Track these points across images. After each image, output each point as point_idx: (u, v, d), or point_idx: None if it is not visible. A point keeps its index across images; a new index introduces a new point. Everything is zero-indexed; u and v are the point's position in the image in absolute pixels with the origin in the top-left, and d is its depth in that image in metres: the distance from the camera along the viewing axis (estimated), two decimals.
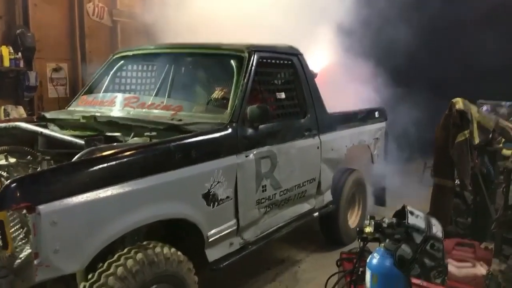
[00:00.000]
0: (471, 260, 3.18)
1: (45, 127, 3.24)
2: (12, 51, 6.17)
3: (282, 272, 3.97)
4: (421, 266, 2.21)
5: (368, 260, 2.34)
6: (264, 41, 3.68)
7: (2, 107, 6.14)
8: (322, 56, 5.39)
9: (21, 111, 6.17)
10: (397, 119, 6.41)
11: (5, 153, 2.45)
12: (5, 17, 6.34)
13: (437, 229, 2.31)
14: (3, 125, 2.94)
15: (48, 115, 3.40)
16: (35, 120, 3.41)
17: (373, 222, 2.33)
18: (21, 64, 6.27)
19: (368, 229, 2.34)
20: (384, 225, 2.31)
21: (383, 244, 2.32)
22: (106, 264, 2.15)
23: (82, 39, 7.22)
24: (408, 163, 7.31)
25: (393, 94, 5.99)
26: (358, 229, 2.41)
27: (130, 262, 2.15)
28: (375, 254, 2.32)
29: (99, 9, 7.55)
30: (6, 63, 6.12)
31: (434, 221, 2.38)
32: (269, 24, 5.22)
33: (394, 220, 2.32)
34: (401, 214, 2.38)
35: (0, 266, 2.08)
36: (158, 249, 2.30)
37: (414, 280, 2.32)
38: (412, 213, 2.34)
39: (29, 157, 2.72)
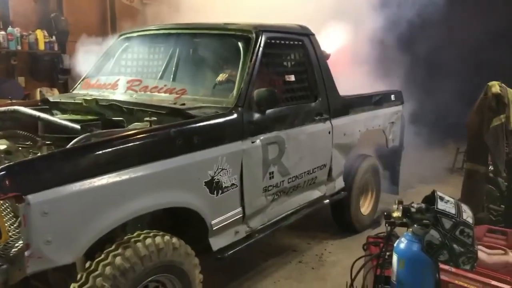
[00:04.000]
0: (503, 247, 3.12)
1: (49, 111, 3.18)
2: (46, 34, 6.28)
3: (308, 254, 3.98)
4: (450, 252, 2.15)
5: (395, 245, 2.31)
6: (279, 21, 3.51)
7: (38, 89, 6.31)
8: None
9: (56, 93, 6.35)
10: (428, 102, 6.24)
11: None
12: (39, 2, 6.41)
13: (467, 215, 2.25)
14: (2, 109, 2.87)
15: (51, 98, 3.32)
16: (39, 103, 3.34)
17: (401, 207, 2.28)
18: (55, 47, 6.43)
19: (396, 214, 2.30)
20: (413, 210, 2.27)
21: (411, 229, 2.28)
22: (94, 263, 2.07)
23: (113, 22, 7.32)
24: (440, 148, 7.23)
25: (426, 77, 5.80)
26: (385, 213, 2.37)
27: (118, 260, 2.06)
28: (402, 239, 2.29)
29: None
30: (41, 46, 6.34)
31: (464, 207, 2.31)
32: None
33: (423, 205, 2.28)
34: (430, 199, 2.32)
35: None
36: (148, 241, 2.20)
37: (443, 266, 2.29)
38: (441, 198, 2.29)
39: (29, 142, 2.67)
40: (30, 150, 2.59)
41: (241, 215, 2.89)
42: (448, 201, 2.29)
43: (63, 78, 6.77)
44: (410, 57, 5.87)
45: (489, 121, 4.13)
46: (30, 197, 1.81)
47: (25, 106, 2.98)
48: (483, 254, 2.95)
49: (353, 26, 5.10)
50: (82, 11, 6.94)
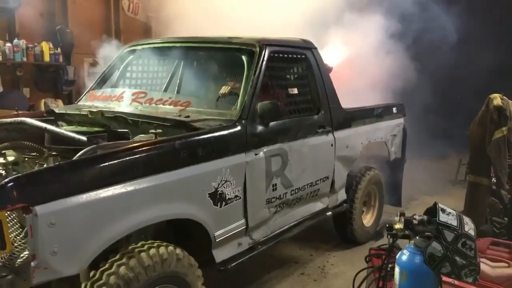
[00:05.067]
0: (506, 260, 3.12)
1: (54, 122, 3.22)
2: (51, 46, 6.39)
3: (310, 266, 3.98)
4: (452, 264, 2.14)
5: (397, 257, 2.31)
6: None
7: (43, 100, 6.41)
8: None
9: (60, 104, 6.41)
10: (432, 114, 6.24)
11: (5, 150, 2.41)
12: (45, 14, 6.53)
13: (469, 227, 2.25)
14: (9, 120, 2.91)
15: (57, 110, 3.36)
16: (45, 115, 3.38)
17: (403, 219, 2.28)
18: (60, 59, 6.55)
19: (398, 226, 2.29)
20: (415, 222, 2.27)
21: (413, 241, 2.28)
22: (98, 272, 2.09)
23: (117, 35, 7.35)
24: (443, 160, 7.24)
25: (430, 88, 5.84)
26: (387, 225, 2.36)
27: (122, 270, 2.08)
28: (404, 251, 2.29)
29: (134, 5, 7.74)
30: (47, 58, 6.44)
31: (466, 219, 2.31)
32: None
33: (425, 217, 2.28)
34: (432, 211, 2.32)
35: (0, 266, 2.05)
36: (153, 251, 2.21)
37: (445, 279, 2.28)
38: (443, 210, 2.29)
39: (35, 153, 2.70)
40: (37, 161, 2.62)
41: (244, 227, 2.90)
42: (450, 213, 2.29)
43: (68, 89, 6.84)
44: (413, 69, 5.94)
45: (491, 133, 4.14)
46: (38, 208, 1.84)
47: (31, 117, 3.02)
48: (486, 266, 2.94)
49: (355, 40, 5.16)
50: (87, 23, 7.03)
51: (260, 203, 3.01)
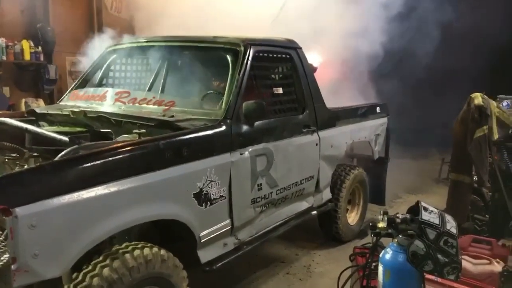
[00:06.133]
0: (488, 257, 3.17)
1: (35, 122, 3.16)
2: (32, 45, 6.28)
3: (295, 265, 3.99)
4: (435, 262, 2.18)
5: (380, 255, 2.34)
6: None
7: (23, 100, 6.29)
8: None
9: (41, 104, 6.28)
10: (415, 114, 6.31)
11: None
12: (26, 11, 6.38)
13: (451, 225, 2.28)
14: None
15: (38, 110, 3.30)
16: (25, 115, 3.32)
17: (386, 218, 2.31)
18: (41, 57, 6.45)
19: (381, 224, 2.32)
20: (398, 220, 2.30)
21: (396, 240, 2.31)
22: (81, 274, 2.06)
23: (100, 33, 7.19)
24: (426, 158, 7.33)
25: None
26: (371, 224, 2.39)
27: (106, 272, 2.05)
28: (388, 250, 2.32)
29: (117, 2, 7.59)
30: (27, 56, 6.30)
31: (448, 217, 2.35)
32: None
33: (408, 215, 2.31)
34: (415, 210, 2.36)
35: None
36: (137, 252, 2.19)
37: (428, 276, 2.32)
38: (425, 209, 2.32)
39: (15, 154, 2.65)
40: (17, 162, 2.57)
41: (230, 227, 2.89)
42: (432, 211, 2.33)
43: (49, 88, 6.73)
44: (396, 69, 6.02)
45: (472, 132, 4.21)
46: (18, 210, 1.80)
47: (11, 117, 2.96)
48: (468, 263, 3.00)
49: (339, 40, 5.19)
50: (69, 21, 6.92)
51: (246, 203, 3.00)
